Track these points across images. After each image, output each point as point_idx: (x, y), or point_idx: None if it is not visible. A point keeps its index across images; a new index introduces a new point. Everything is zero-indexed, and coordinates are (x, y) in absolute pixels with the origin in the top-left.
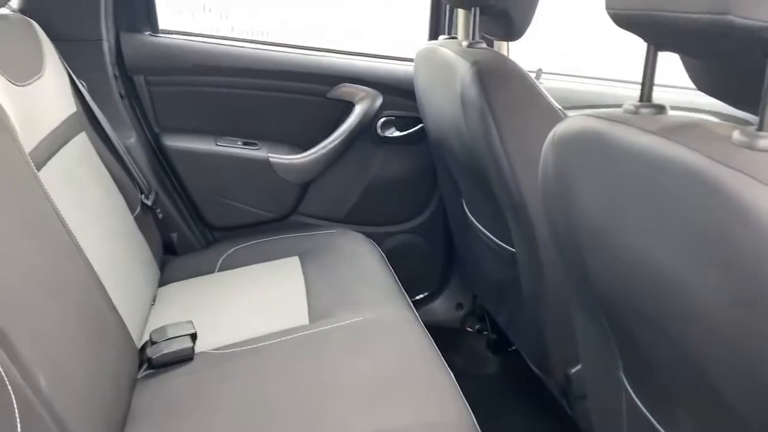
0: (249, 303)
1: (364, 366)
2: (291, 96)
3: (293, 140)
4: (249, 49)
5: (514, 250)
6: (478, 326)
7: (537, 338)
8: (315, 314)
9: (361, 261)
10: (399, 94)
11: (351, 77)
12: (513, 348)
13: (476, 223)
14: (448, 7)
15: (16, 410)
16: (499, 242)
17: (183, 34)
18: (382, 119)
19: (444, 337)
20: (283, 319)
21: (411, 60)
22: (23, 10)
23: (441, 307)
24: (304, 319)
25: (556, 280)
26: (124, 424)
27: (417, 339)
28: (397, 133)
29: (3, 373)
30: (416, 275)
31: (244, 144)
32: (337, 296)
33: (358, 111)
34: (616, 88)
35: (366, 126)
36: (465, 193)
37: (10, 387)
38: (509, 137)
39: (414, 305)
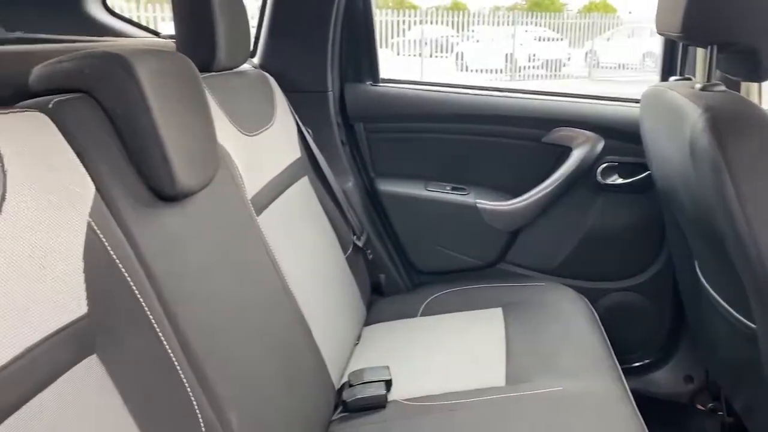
0: (446, 353)
1: None
2: (503, 141)
3: (503, 186)
4: (461, 94)
5: (754, 326)
6: (711, 405)
7: None
8: (512, 376)
9: (570, 320)
10: (623, 138)
11: (569, 120)
12: None
13: (709, 288)
14: (681, 45)
15: None
16: (737, 315)
17: (401, 83)
18: (604, 165)
19: (668, 412)
20: (479, 376)
21: (636, 101)
22: (262, 66)
23: (665, 378)
24: (500, 380)
25: None
26: None
27: (624, 419)
28: (620, 180)
29: (197, 409)
30: (636, 340)
31: (453, 189)
32: (539, 358)
33: (575, 156)
34: None
35: (584, 172)
36: (696, 253)
37: (202, 423)
38: (750, 197)
39: (631, 373)
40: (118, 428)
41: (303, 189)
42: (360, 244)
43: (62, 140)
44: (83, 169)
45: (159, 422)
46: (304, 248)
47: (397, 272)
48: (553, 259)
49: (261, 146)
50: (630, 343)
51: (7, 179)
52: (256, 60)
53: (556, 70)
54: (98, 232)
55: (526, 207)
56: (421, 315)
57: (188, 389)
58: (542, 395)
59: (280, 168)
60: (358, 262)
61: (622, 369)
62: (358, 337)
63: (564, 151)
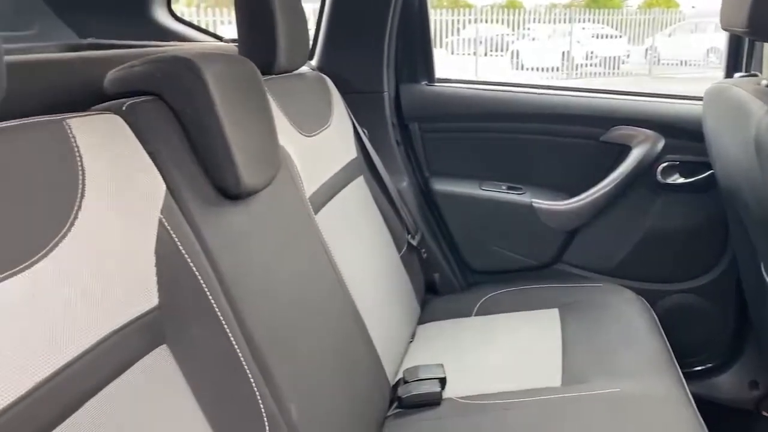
0: (501, 353)
1: None
2: (560, 140)
3: (559, 185)
4: (517, 93)
5: None
6: None
7: None
8: (569, 376)
9: (629, 321)
10: (684, 136)
11: (628, 119)
12: None
13: None
14: (747, 41)
15: None
16: None
17: (456, 83)
18: (664, 164)
19: (731, 419)
20: (535, 376)
21: (699, 99)
22: (320, 68)
23: (728, 383)
24: (556, 380)
25: None
26: None
27: (685, 423)
28: (681, 180)
29: (260, 401)
30: (698, 343)
31: (509, 188)
32: (596, 359)
33: (635, 155)
34: None
35: (644, 171)
36: (762, 253)
37: (264, 414)
38: None
39: (693, 377)
40: (186, 414)
41: (358, 188)
42: (414, 243)
43: (135, 141)
44: (155, 169)
45: (224, 411)
46: (360, 247)
47: (451, 271)
48: (610, 260)
49: (319, 146)
50: (691, 347)
51: (86, 177)
52: (313, 62)
53: (614, 68)
54: (169, 228)
55: (583, 206)
56: (476, 314)
57: (251, 380)
58: (599, 396)
59: (336, 168)
60: (413, 261)
61: (683, 373)
62: (413, 336)
63: (623, 150)
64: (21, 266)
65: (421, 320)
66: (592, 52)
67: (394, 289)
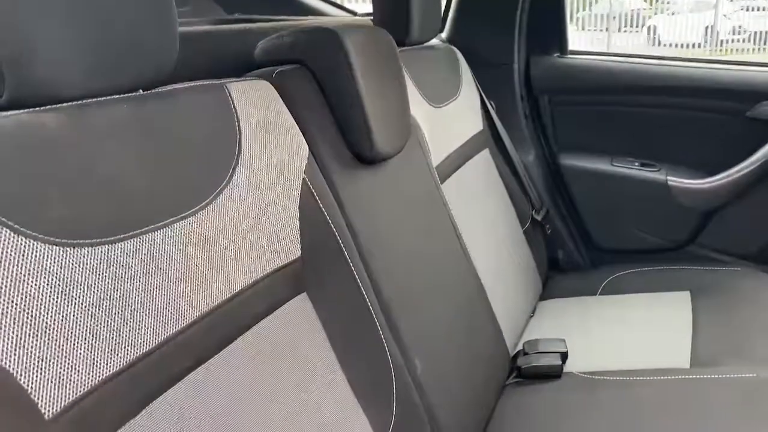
0: (627, 332)
1: None
2: (699, 114)
3: (697, 163)
4: (655, 65)
5: None
6: None
7: None
8: (698, 359)
9: None
10: None
11: None
12: None
13: None
14: None
15: (394, 387)
16: None
17: (590, 54)
18: None
19: None
20: (661, 357)
21: None
22: (450, 40)
23: None
24: (684, 362)
25: None
26: (487, 423)
27: None
28: None
29: (387, 351)
30: None
31: (642, 165)
32: (729, 344)
33: None
34: None
35: None
36: None
37: (391, 364)
38: None
39: None
40: (321, 357)
41: (484, 161)
42: (539, 218)
43: (283, 105)
44: (299, 132)
45: (355, 358)
46: (483, 218)
47: (576, 248)
48: (751, 244)
49: (446, 117)
50: None
51: (242, 136)
52: (443, 35)
53: (766, 44)
54: (311, 186)
55: (723, 186)
56: (601, 293)
57: (380, 331)
58: (731, 380)
59: (463, 139)
60: (536, 236)
61: None
62: (533, 310)
63: None
64: (189, 211)
65: (543, 296)
66: (740, 27)
67: (516, 262)
